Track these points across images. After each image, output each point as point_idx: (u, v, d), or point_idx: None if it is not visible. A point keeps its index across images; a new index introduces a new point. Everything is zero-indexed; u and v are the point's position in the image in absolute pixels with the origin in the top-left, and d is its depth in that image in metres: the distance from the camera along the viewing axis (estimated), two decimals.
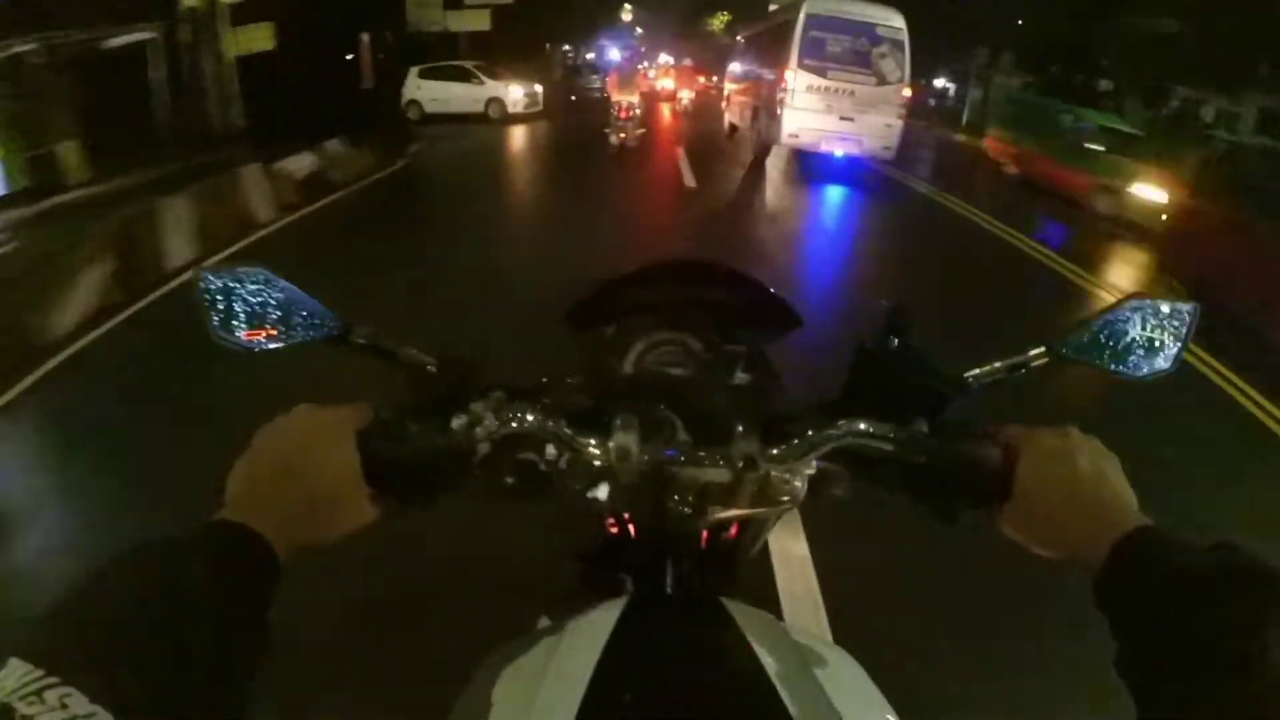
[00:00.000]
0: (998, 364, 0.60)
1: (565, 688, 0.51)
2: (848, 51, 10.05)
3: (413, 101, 15.46)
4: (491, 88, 15.81)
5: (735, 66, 15.19)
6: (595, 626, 0.57)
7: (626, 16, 41.71)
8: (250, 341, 0.55)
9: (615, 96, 11.07)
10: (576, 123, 15.49)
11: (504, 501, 0.63)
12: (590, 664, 0.52)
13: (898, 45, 10.06)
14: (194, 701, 0.35)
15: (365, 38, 13.63)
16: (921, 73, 22.92)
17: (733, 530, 0.74)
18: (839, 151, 10.39)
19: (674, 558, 0.63)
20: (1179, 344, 0.59)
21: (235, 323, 0.55)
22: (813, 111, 10.05)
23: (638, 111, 11.15)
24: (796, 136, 10.24)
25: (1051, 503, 0.51)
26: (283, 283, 0.57)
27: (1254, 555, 0.40)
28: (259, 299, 0.55)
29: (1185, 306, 0.59)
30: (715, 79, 18.80)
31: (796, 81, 9.99)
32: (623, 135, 10.84)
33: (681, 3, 45.16)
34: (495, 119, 15.46)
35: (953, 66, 23.12)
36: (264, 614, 0.41)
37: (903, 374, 0.60)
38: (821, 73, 10.00)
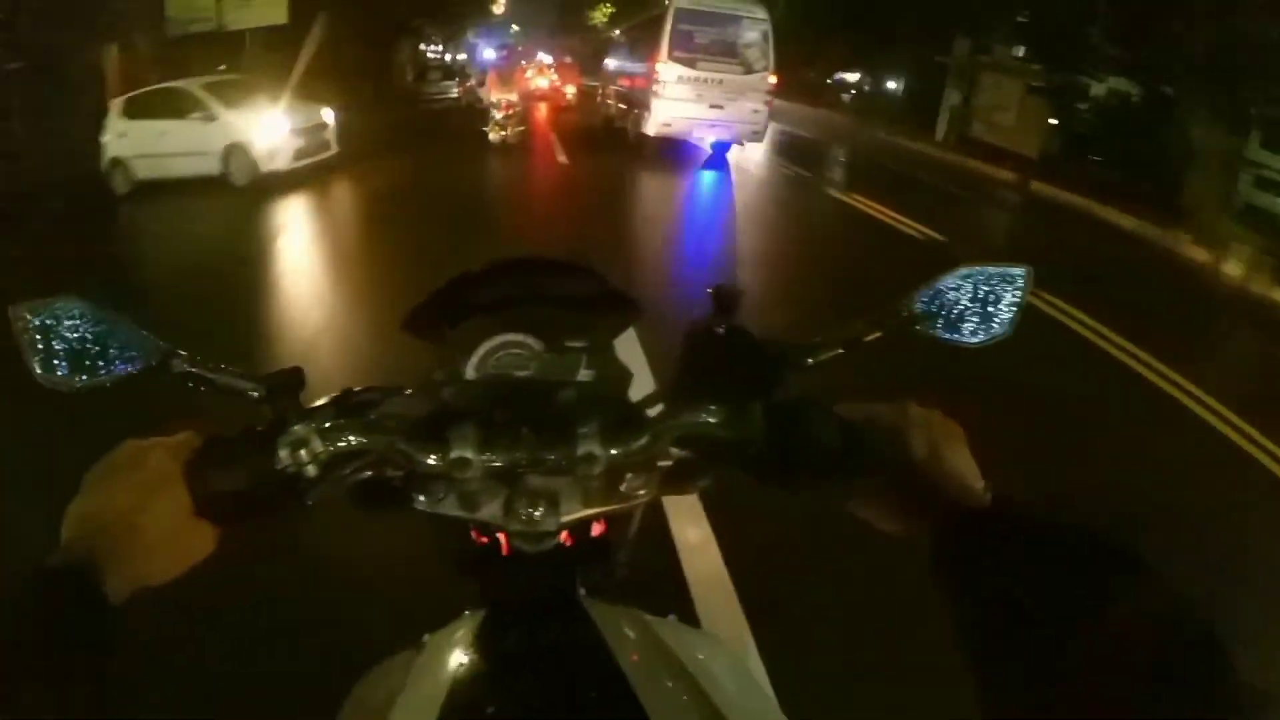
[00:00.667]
0: (829, 339, 0.60)
1: (422, 706, 0.51)
2: (715, 43, 10.42)
3: (116, 161, 8.44)
4: (229, 125, 8.22)
5: (612, 61, 15.29)
6: (452, 641, 0.57)
7: (499, 9, 39.81)
8: (74, 380, 0.53)
9: (495, 95, 11.68)
10: (408, 183, 8.91)
11: (359, 516, 0.61)
12: (446, 680, 0.52)
13: (763, 35, 10.52)
14: None
15: (114, 50, 9.25)
16: (838, 66, 23.14)
17: (599, 528, 0.73)
18: (710, 138, 10.83)
19: (537, 563, 0.63)
20: (1013, 308, 0.60)
21: (56, 361, 0.53)
22: (684, 101, 10.34)
23: (518, 109, 11.79)
24: (669, 125, 10.50)
25: (891, 479, 0.51)
26: (100, 313, 0.54)
27: (1099, 530, 0.40)
28: (76, 334, 0.53)
29: (1016, 270, 0.60)
30: (598, 78, 18.01)
31: (668, 73, 10.25)
32: (504, 133, 11.32)
33: None
34: (240, 184, 8.17)
35: (875, 59, 20.72)
36: (99, 658, 0.40)
37: (730, 356, 0.60)
38: (691, 64, 10.30)
